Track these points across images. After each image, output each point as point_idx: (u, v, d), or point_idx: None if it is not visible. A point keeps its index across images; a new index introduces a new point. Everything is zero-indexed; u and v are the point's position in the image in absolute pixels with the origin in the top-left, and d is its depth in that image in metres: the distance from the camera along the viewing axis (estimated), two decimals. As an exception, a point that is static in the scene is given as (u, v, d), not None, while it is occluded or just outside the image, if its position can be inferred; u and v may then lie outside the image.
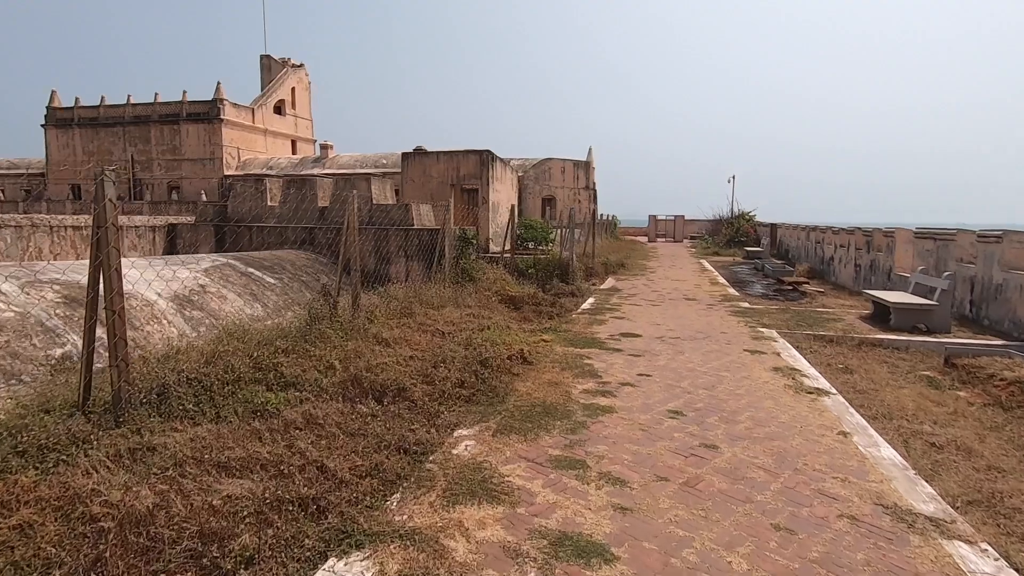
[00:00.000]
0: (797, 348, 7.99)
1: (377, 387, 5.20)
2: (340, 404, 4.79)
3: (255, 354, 5.15)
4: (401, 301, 8.64)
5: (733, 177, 41.76)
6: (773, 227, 27.79)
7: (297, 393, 4.94)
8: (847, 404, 5.49)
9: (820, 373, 6.64)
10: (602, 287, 14.36)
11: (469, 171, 14.20)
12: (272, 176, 16.48)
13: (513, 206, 13.30)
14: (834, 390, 5.91)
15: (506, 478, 3.69)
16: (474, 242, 11.21)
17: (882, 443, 4.50)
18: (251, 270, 9.18)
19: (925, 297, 9.82)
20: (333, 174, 29.91)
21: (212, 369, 4.64)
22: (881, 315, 10.01)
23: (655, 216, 42.98)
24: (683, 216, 42.84)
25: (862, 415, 5.27)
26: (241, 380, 4.69)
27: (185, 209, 23.32)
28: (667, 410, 5.11)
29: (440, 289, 9.71)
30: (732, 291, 14.04)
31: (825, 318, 10.10)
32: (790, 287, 15.85)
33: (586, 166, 44.02)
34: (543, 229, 16.45)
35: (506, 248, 13.61)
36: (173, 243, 13.19)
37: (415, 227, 11.31)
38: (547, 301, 10.91)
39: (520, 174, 40.78)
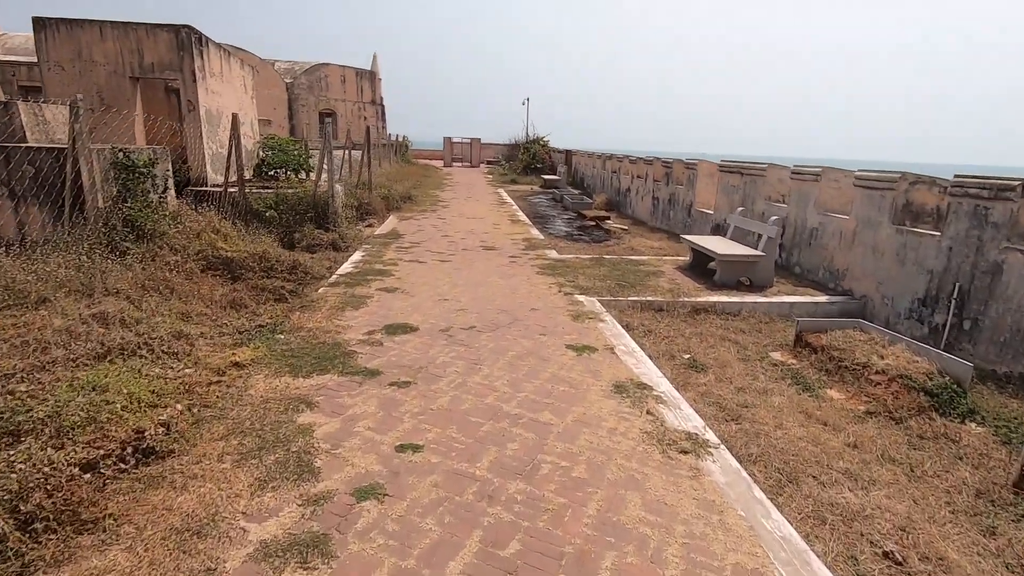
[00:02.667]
0: (628, 329, 5.89)
1: None
2: None
3: None
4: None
5: (527, 99, 40.35)
6: (568, 154, 26.82)
7: None
8: (745, 476, 3.27)
9: (674, 386, 4.47)
10: (379, 232, 10.97)
11: (160, 58, 9.12)
12: None
13: (235, 115, 8.86)
14: (711, 435, 3.70)
15: None
16: (148, 171, 6.79)
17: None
18: None
19: (743, 243, 8.61)
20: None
21: None
22: (700, 264, 8.60)
23: (451, 139, 39.77)
24: (479, 139, 40.41)
25: (765, 492, 3.12)
26: None
27: None
28: (446, 592, 2.27)
29: (65, 259, 5.40)
30: (535, 233, 11.85)
31: (644, 271, 8.33)
32: (592, 223, 14.40)
33: (371, 76, 38.28)
34: (297, 152, 12.16)
35: (231, 180, 9.25)
36: None
37: (27, 144, 6.42)
38: (284, 265, 7.25)
39: (288, 80, 33.62)
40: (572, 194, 18.92)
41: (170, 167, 8.13)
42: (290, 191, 9.68)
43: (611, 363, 4.80)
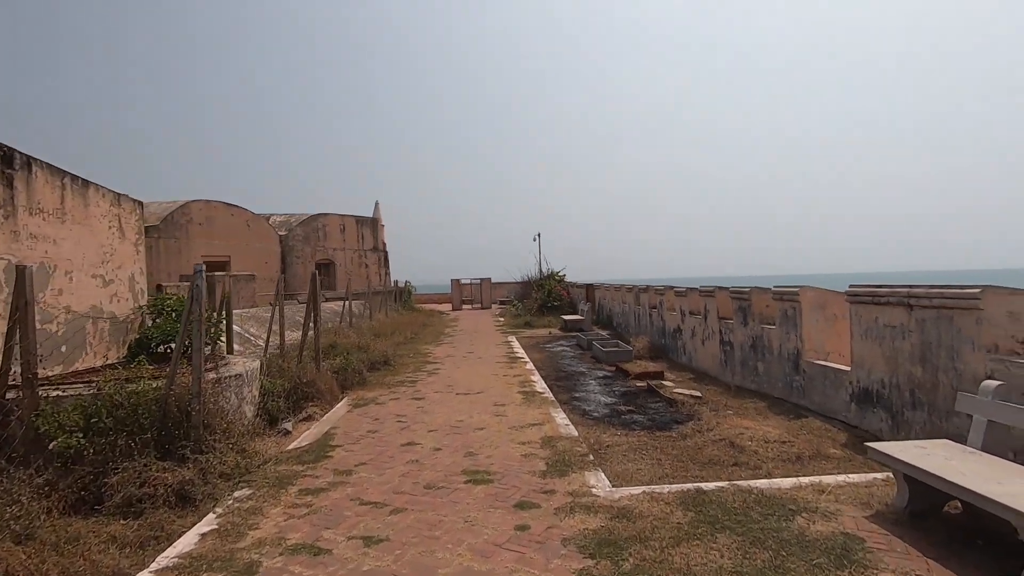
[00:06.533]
0: None
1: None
2: None
3: None
4: None
5: (538, 235, 38.03)
6: (590, 288, 23.14)
7: None
8: None
9: None
10: (300, 441, 6.56)
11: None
12: None
13: (24, 268, 5.04)
14: None
15: None
16: None
17: None
18: None
19: (1006, 446, 4.00)
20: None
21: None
22: (925, 504, 3.94)
23: (459, 281, 36.96)
24: (490, 279, 37.54)
25: None
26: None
27: None
28: None
29: None
30: (561, 420, 7.31)
31: (811, 542, 3.66)
32: (643, 385, 9.88)
33: (373, 223, 36.54)
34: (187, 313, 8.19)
35: (15, 375, 5.16)
36: None
37: None
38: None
39: (283, 233, 31.69)
40: (602, 339, 14.64)
41: None
42: (125, 391, 5.46)
43: None
